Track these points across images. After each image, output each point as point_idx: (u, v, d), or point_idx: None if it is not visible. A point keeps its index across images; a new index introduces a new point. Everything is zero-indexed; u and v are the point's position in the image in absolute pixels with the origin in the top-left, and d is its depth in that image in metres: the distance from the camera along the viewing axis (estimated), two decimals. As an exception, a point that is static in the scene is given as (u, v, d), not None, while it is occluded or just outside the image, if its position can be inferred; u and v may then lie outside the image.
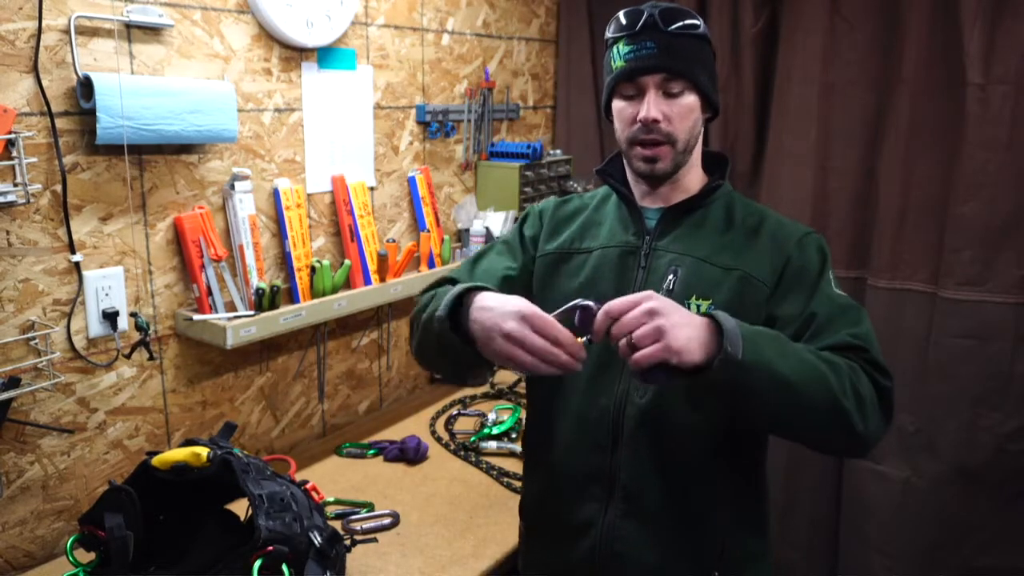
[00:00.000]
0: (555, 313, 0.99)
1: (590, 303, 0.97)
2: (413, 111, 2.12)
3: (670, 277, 1.14)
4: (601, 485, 1.17)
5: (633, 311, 0.92)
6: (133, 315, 1.51)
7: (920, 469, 1.94)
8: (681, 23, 1.11)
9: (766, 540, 1.23)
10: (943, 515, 1.92)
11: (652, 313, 0.92)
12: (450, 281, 1.23)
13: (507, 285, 1.23)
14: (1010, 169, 1.76)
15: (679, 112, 1.12)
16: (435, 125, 2.17)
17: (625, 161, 1.21)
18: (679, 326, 0.92)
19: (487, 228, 2.22)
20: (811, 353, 1.01)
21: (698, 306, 1.11)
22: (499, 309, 1.00)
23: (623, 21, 1.14)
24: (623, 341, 0.93)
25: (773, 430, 1.14)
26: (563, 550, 1.22)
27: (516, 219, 2.29)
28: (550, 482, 1.24)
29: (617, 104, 1.17)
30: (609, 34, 1.17)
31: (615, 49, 1.15)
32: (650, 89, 1.11)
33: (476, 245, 2.22)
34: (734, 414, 1.08)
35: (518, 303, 1.00)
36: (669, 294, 1.12)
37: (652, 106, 1.11)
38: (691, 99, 1.12)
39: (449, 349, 1.07)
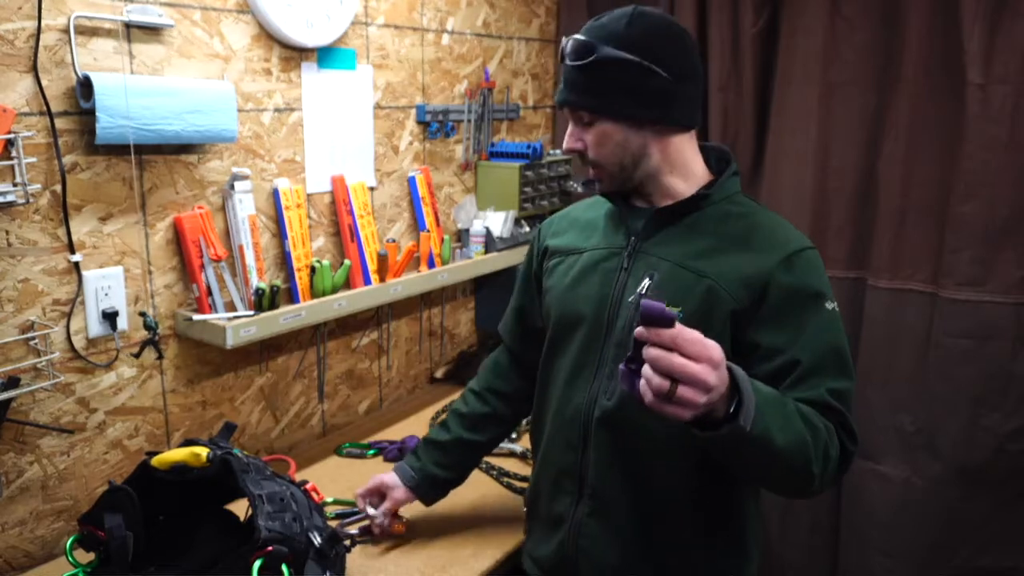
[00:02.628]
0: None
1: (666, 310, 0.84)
2: (413, 111, 2.12)
3: (646, 281, 1.14)
4: (573, 482, 1.21)
5: (696, 368, 0.82)
6: (142, 314, 1.51)
7: (920, 469, 1.94)
8: (592, 58, 1.10)
9: (743, 550, 1.21)
10: (943, 515, 1.91)
11: (707, 387, 0.83)
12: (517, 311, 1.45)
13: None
14: (1010, 169, 1.76)
15: (592, 140, 1.16)
16: (435, 125, 2.17)
17: None
18: (715, 397, 0.86)
19: (487, 228, 2.22)
20: (800, 419, 0.99)
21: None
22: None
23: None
24: (658, 380, 0.83)
25: (737, 473, 1.11)
26: (544, 542, 1.28)
27: (516, 220, 2.29)
28: (538, 476, 1.32)
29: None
30: None
31: None
32: (571, 121, 1.17)
33: (476, 245, 2.22)
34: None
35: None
36: (640, 297, 1.10)
37: (568, 137, 1.18)
38: (605, 127, 1.14)
39: None
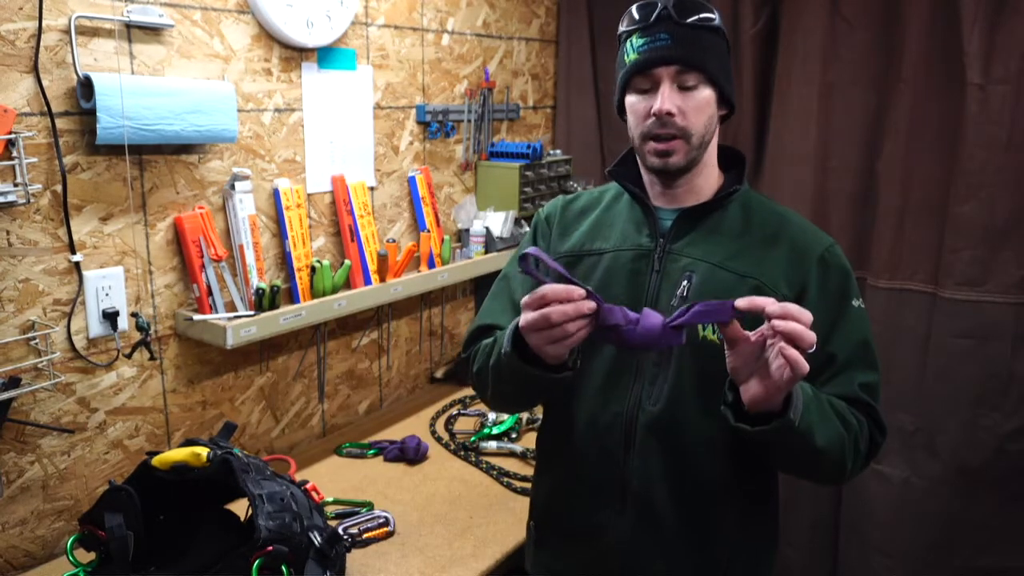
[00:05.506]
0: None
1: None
2: (413, 111, 2.12)
3: (684, 283, 1.12)
4: (613, 491, 1.16)
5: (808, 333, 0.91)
6: (134, 315, 1.51)
7: (920, 469, 1.94)
8: (697, 16, 1.08)
9: (775, 546, 1.23)
10: (943, 515, 1.91)
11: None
12: (487, 328, 1.24)
13: None
14: (1010, 169, 1.76)
15: (694, 106, 1.09)
16: (435, 125, 2.17)
17: (638, 158, 1.18)
18: None
19: (487, 228, 2.22)
20: (837, 416, 1.05)
21: None
22: None
23: (636, 15, 1.11)
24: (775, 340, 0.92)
25: (775, 466, 1.17)
26: (574, 554, 1.22)
27: (516, 220, 2.29)
28: (562, 485, 1.23)
29: (630, 99, 1.13)
30: (622, 28, 1.14)
31: (628, 43, 1.11)
32: (664, 81, 1.08)
33: (476, 245, 2.22)
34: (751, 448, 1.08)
35: None
36: (683, 300, 1.11)
37: (666, 99, 1.07)
38: (706, 93, 1.09)
39: (529, 379, 1.06)
